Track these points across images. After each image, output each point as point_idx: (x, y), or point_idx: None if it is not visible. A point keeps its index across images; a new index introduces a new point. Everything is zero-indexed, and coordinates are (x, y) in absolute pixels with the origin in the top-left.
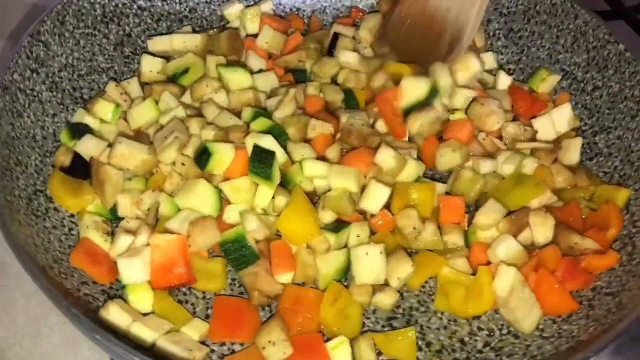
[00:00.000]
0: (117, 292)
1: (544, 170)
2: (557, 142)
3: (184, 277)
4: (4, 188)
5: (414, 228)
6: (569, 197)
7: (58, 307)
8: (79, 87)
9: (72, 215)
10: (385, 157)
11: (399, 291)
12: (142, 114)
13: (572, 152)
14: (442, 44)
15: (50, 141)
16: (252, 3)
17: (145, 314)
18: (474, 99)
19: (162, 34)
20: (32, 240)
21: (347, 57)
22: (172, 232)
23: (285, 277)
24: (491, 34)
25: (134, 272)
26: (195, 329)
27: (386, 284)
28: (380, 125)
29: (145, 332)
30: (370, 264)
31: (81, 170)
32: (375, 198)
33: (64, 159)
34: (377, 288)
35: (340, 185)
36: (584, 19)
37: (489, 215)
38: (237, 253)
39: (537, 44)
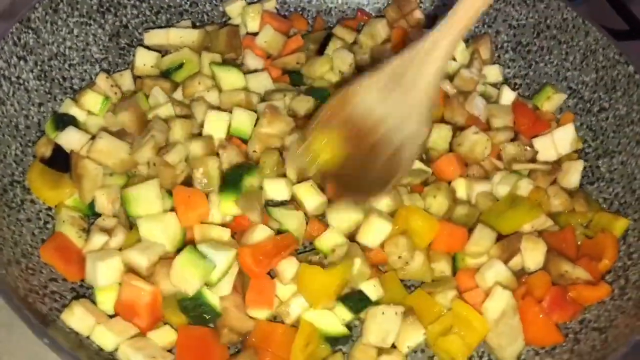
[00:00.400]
0: (87, 290)
1: (540, 193)
2: (557, 164)
3: (141, 328)
4: None
5: (399, 257)
6: (565, 221)
7: (10, 306)
8: (70, 77)
9: (49, 209)
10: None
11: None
12: None
13: (572, 175)
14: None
15: (34, 131)
16: (255, 0)
17: (112, 316)
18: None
19: (160, 27)
20: (1, 233)
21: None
22: (133, 264)
23: (261, 314)
24: (499, 46)
25: (102, 274)
26: (162, 336)
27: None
28: None
29: (107, 337)
30: (382, 324)
31: (61, 162)
32: (375, 233)
33: (45, 150)
34: (382, 351)
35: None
36: (594, 36)
37: (480, 244)
38: (196, 311)
39: (545, 59)
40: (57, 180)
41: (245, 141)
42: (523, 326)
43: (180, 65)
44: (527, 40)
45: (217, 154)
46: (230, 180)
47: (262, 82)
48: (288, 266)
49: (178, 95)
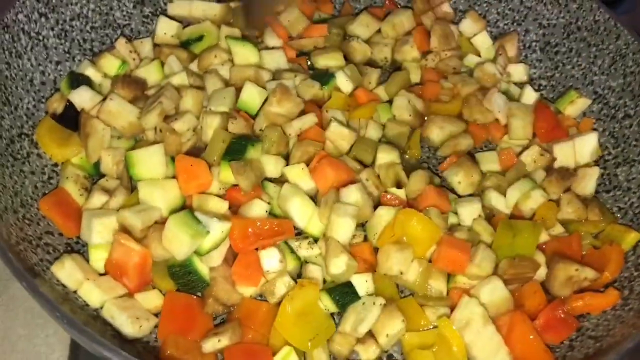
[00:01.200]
0: (82, 247)
1: (548, 211)
2: (572, 172)
3: (129, 288)
4: None
5: (391, 269)
6: (576, 230)
7: None
8: (90, 39)
9: (55, 165)
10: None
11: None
12: (147, 75)
13: (588, 181)
14: None
15: (49, 88)
16: None
17: (103, 275)
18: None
19: None
20: (2, 181)
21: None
22: (127, 225)
23: (247, 290)
24: (527, 45)
25: (97, 232)
26: (149, 299)
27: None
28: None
29: (94, 293)
30: (361, 313)
31: (72, 120)
32: (341, 229)
33: (57, 106)
34: (360, 340)
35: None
36: (625, 40)
37: (482, 266)
38: (184, 278)
39: (573, 61)
40: (65, 137)
41: (253, 117)
42: (510, 341)
43: (200, 37)
44: (556, 40)
45: None
46: (234, 149)
47: (276, 60)
48: (269, 255)
49: (194, 67)
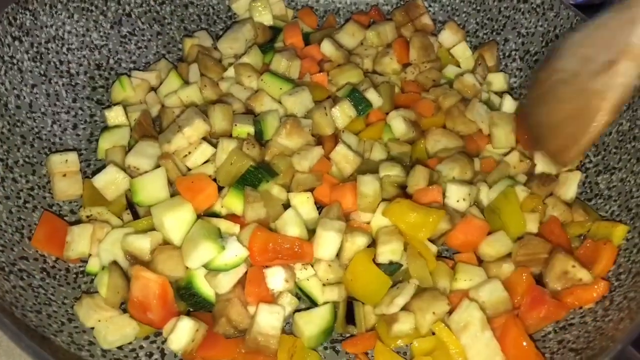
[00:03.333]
0: (58, 272)
1: (534, 201)
2: (553, 177)
3: (155, 324)
4: None
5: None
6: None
7: None
8: (67, 60)
9: (31, 189)
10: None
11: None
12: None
13: (569, 186)
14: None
15: (25, 111)
16: None
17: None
18: None
19: (164, 17)
20: None
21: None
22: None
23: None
24: (507, 54)
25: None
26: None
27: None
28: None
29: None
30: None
31: None
32: (326, 246)
33: None
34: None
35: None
36: None
37: (495, 246)
38: (191, 299)
39: None
40: None
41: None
42: (505, 349)
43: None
44: (536, 49)
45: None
46: (249, 180)
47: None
48: (274, 274)
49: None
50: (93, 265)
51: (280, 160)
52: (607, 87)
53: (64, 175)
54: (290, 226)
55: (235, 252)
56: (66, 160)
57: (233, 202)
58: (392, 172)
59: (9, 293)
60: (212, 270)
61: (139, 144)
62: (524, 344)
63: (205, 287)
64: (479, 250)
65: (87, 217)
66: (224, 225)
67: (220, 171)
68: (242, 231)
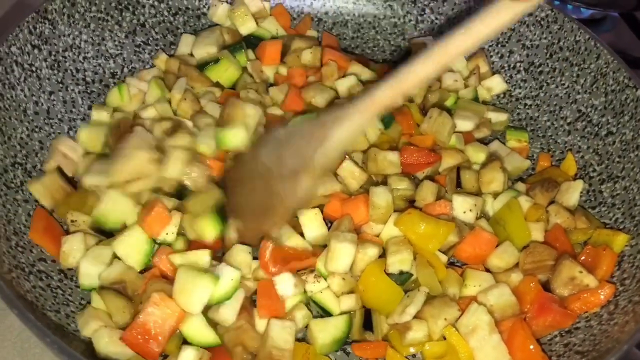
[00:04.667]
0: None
1: (538, 211)
2: (555, 183)
3: (151, 355)
4: None
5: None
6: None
7: None
8: (83, 69)
9: None
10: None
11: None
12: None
13: (572, 194)
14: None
15: (42, 117)
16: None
17: None
18: None
19: (177, 28)
20: None
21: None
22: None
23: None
24: (512, 65)
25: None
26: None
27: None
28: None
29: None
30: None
31: None
32: (341, 258)
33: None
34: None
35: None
36: (605, 59)
37: (503, 258)
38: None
39: (556, 81)
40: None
41: None
42: (511, 352)
43: (217, 60)
44: (540, 61)
45: None
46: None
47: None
48: (283, 280)
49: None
50: (83, 282)
51: None
52: (286, 194)
53: (64, 156)
54: (289, 239)
55: (230, 275)
56: (72, 146)
57: (209, 231)
58: (401, 185)
59: (29, 292)
60: (213, 305)
61: (95, 162)
62: (531, 347)
63: (202, 336)
64: (488, 262)
65: (72, 221)
66: (193, 257)
67: (197, 199)
68: (226, 255)
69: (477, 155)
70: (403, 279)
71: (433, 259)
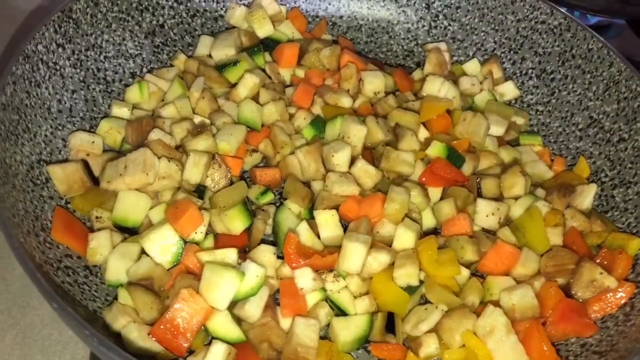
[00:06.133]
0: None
1: (556, 216)
2: (571, 188)
3: (178, 351)
4: (5, 150)
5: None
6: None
7: (25, 270)
8: (104, 68)
9: None
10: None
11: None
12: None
13: (585, 197)
14: None
15: (65, 116)
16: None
17: None
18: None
19: (195, 29)
20: (23, 205)
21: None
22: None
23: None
24: (524, 72)
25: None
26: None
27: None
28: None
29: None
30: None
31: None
32: (352, 258)
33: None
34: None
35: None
36: (618, 67)
37: (527, 265)
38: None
39: (568, 88)
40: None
41: None
42: (527, 353)
43: (236, 62)
44: (552, 68)
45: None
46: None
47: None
48: (302, 274)
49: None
50: (109, 278)
51: (290, 185)
52: None
53: (87, 155)
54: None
55: (255, 272)
56: (93, 142)
57: (236, 224)
58: (414, 191)
59: (59, 287)
60: (239, 300)
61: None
62: (545, 349)
63: (228, 332)
64: (513, 272)
65: (97, 218)
66: (220, 254)
67: (226, 194)
68: (250, 253)
69: (511, 158)
70: (411, 291)
71: (446, 282)
